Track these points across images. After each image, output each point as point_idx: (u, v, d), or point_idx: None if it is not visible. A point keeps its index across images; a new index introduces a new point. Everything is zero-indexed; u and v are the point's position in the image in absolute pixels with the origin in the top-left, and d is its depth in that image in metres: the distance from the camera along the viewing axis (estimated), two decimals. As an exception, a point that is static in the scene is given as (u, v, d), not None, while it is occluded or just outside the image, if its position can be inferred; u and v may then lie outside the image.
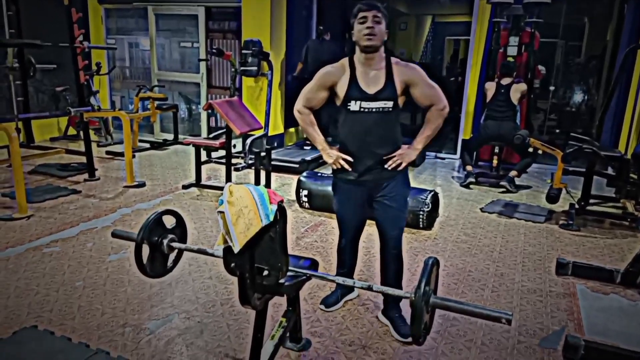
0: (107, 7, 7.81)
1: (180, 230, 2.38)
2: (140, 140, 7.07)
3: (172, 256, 2.34)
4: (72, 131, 7.44)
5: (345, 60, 2.34)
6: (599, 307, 2.87)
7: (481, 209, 4.67)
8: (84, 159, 5.26)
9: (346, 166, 2.37)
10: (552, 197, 4.39)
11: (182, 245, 2.28)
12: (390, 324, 2.54)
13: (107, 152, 6.42)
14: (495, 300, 2.90)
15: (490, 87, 5.48)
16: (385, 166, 2.34)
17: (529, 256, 3.58)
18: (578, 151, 4.15)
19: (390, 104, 2.26)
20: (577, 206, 4.42)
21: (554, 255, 3.59)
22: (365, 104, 2.28)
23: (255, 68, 6.29)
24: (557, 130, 8.04)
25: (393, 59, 2.31)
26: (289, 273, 1.98)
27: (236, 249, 1.68)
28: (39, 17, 6.05)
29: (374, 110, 2.28)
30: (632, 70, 5.69)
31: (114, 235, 2.38)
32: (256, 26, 6.43)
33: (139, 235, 2.21)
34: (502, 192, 5.24)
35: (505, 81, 5.40)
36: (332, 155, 2.40)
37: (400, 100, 2.30)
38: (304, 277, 2.00)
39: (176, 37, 7.78)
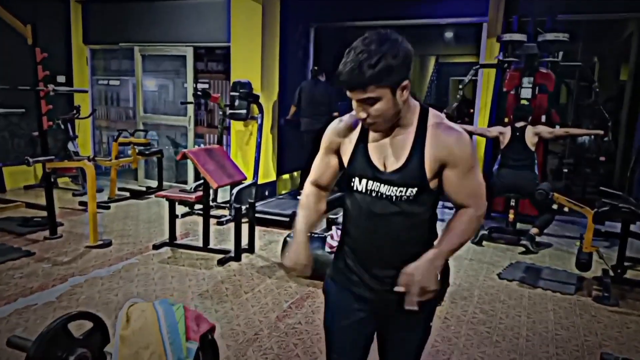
0: (92, 48, 7.42)
1: (99, 339, 1.74)
2: (121, 189, 6.48)
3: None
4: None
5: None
6: None
7: (499, 275, 3.99)
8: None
9: (297, 273, 1.57)
10: (584, 264, 3.72)
11: (95, 364, 1.64)
12: None
13: (80, 203, 5.83)
14: (528, 419, 2.20)
15: (505, 132, 4.90)
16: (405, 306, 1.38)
17: (563, 345, 2.88)
18: (613, 210, 3.51)
19: (412, 191, 1.41)
20: (612, 274, 3.74)
21: (594, 343, 2.90)
22: (373, 186, 1.44)
23: (244, 111, 5.77)
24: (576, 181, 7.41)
25: (433, 116, 1.43)
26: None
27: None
28: (7, 58, 5.62)
29: (385, 196, 1.43)
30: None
31: (9, 344, 1.77)
32: (246, 66, 5.96)
33: (32, 348, 1.59)
34: (521, 253, 4.56)
35: (520, 124, 4.83)
36: (294, 257, 1.53)
37: (433, 184, 1.43)
38: None
39: (164, 78, 7.35)
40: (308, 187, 1.63)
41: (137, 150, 6.37)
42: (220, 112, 6.24)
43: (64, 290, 3.40)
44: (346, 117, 1.54)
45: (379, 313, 1.56)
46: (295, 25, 6.61)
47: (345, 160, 1.51)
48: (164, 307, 1.12)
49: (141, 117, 7.18)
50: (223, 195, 6.02)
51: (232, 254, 4.12)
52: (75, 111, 6.42)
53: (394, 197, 1.42)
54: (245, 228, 4.33)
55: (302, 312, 3.16)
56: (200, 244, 4.37)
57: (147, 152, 6.44)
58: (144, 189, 6.64)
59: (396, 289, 1.35)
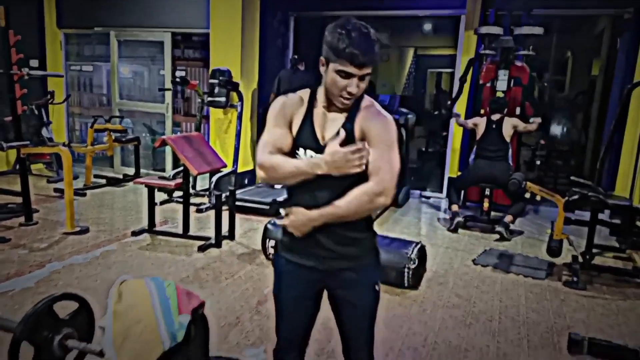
0: (66, 32, 7.24)
1: (85, 320, 1.76)
2: (97, 176, 6.39)
3: (70, 357, 1.72)
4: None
5: (305, 93, 1.64)
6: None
7: (473, 261, 4.11)
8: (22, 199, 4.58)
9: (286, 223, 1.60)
10: (554, 251, 3.85)
11: (81, 345, 1.65)
12: None
13: (56, 190, 5.72)
14: (500, 395, 2.30)
15: (480, 123, 5.03)
16: None
17: (533, 327, 3.01)
18: (583, 199, 3.65)
19: None
20: (581, 260, 3.89)
21: (562, 325, 3.03)
22: (316, 156, 1.56)
23: (223, 99, 5.75)
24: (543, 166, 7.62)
25: (366, 101, 1.58)
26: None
27: (120, 391, 1.07)
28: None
29: None
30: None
31: (-9, 325, 1.75)
32: (226, 54, 5.92)
33: (18, 328, 1.60)
34: (496, 240, 4.69)
35: (496, 117, 4.95)
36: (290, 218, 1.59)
37: None
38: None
39: (140, 64, 7.23)
40: (272, 157, 1.57)
41: (113, 137, 6.28)
42: (199, 100, 6.19)
43: (42, 277, 3.36)
44: (292, 95, 1.65)
45: (324, 280, 1.65)
46: (275, 14, 6.58)
47: (294, 133, 1.61)
48: (155, 283, 1.14)
49: (117, 103, 7.07)
50: (202, 184, 6.00)
51: (213, 241, 4.13)
52: (49, 96, 6.27)
53: None
54: (225, 216, 4.34)
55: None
56: (179, 231, 4.36)
57: (123, 139, 6.35)
58: (120, 176, 6.56)
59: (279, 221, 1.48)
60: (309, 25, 7.27)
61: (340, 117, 1.57)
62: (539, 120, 5.02)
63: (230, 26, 5.86)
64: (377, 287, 1.68)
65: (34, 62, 6.91)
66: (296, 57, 6.29)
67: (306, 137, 1.57)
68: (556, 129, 8.36)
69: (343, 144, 1.48)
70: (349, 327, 1.72)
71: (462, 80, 5.68)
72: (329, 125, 1.57)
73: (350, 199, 1.49)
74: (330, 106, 1.58)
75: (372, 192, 1.48)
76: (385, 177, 1.49)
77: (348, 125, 1.53)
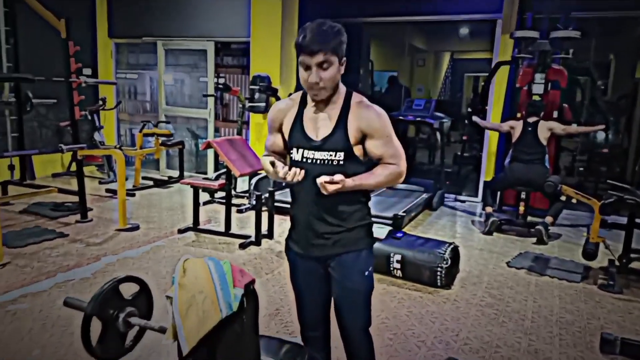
0: (117, 42, 7.69)
1: (145, 300, 1.96)
2: (144, 178, 6.76)
3: (132, 333, 1.92)
4: (75, 167, 7.19)
5: (297, 96, 1.80)
6: (661, 403, 2.32)
7: (508, 264, 4.15)
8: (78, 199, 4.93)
9: (283, 176, 1.68)
10: (590, 253, 3.86)
11: (141, 322, 1.85)
12: None
13: (107, 190, 6.11)
14: (529, 388, 2.38)
15: (517, 126, 5.05)
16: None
17: (566, 326, 3.05)
18: (619, 202, 3.65)
19: (340, 155, 1.68)
20: (617, 263, 3.87)
21: (596, 326, 3.05)
22: (308, 154, 1.71)
23: (263, 104, 5.99)
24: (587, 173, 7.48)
25: (356, 97, 1.73)
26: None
27: (184, 350, 1.26)
28: (38, 50, 5.87)
29: (318, 162, 1.70)
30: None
31: (66, 304, 1.99)
32: (265, 61, 6.17)
33: (89, 306, 1.81)
34: (532, 244, 4.70)
35: (532, 119, 4.97)
36: (266, 167, 1.75)
37: (359, 151, 1.71)
38: (286, 375, 1.56)
39: (186, 71, 7.59)
40: (265, 158, 1.83)
41: (160, 141, 6.62)
42: (240, 105, 6.46)
43: (98, 268, 3.65)
44: (285, 100, 1.85)
45: (325, 266, 1.82)
46: (313, 20, 6.78)
47: (287, 135, 1.79)
48: (213, 261, 1.32)
49: (163, 109, 7.44)
50: (242, 186, 6.25)
51: (253, 239, 4.34)
52: (101, 102, 6.68)
53: (326, 161, 1.69)
54: (264, 216, 4.54)
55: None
56: (222, 229, 4.60)
57: (169, 143, 6.69)
58: (166, 178, 6.90)
59: (319, 179, 1.61)
60: (346, 32, 7.43)
61: (333, 114, 1.70)
62: (600, 127, 5.09)
63: (270, 34, 6.11)
64: (366, 273, 1.83)
65: (87, 71, 7.36)
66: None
67: (297, 138, 1.73)
68: (598, 133, 8.18)
69: (337, 137, 1.68)
70: (342, 310, 1.86)
71: (487, 83, 5.73)
72: (321, 123, 1.71)
73: (384, 174, 1.72)
74: (318, 105, 1.73)
75: (398, 172, 1.72)
76: (404, 162, 1.74)
77: (341, 125, 1.69)
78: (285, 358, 1.61)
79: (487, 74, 6.13)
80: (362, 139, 1.70)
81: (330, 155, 1.69)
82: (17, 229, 4.47)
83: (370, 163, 1.78)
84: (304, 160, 1.72)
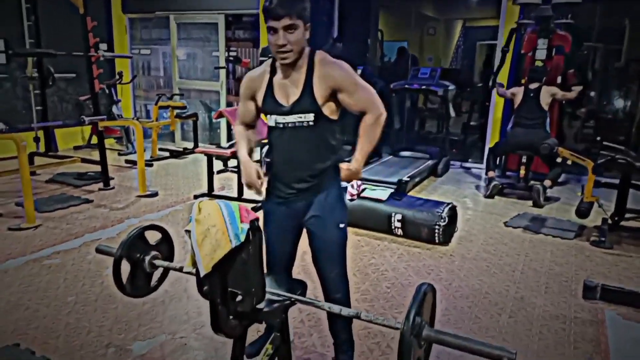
0: (131, 17, 7.89)
1: (167, 246, 2.24)
2: (161, 149, 7.05)
3: (157, 274, 2.21)
4: (95, 140, 7.49)
5: (268, 64, 1.92)
6: (631, 338, 2.56)
7: (505, 223, 4.36)
8: (100, 168, 5.24)
9: (258, 190, 2.00)
10: (583, 212, 4.05)
11: (165, 263, 2.13)
12: (333, 347, 2.27)
13: (127, 161, 6.43)
14: (512, 327, 2.63)
15: (518, 92, 5.19)
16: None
17: (554, 277, 3.28)
18: (611, 162, 3.82)
19: (310, 116, 1.83)
20: (610, 221, 4.07)
21: (583, 277, 3.27)
22: (280, 119, 1.87)
23: (272, 75, 6.17)
24: (598, 138, 7.55)
25: (318, 56, 1.84)
26: (271, 297, 1.81)
27: (202, 272, 1.53)
28: (57, 26, 6.11)
29: (290, 125, 1.86)
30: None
31: (97, 250, 2.27)
32: (274, 33, 6.31)
33: (118, 251, 2.09)
34: (530, 206, 4.90)
35: (534, 86, 5.09)
36: (249, 173, 1.97)
37: (328, 110, 1.86)
38: (287, 302, 1.82)
39: (197, 45, 7.79)
40: (238, 127, 2.11)
41: (174, 113, 6.88)
42: (251, 77, 6.65)
43: (123, 229, 3.97)
44: (260, 68, 1.96)
45: (300, 210, 2.00)
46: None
47: (260, 103, 1.94)
48: (224, 202, 1.58)
49: (177, 82, 7.67)
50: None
51: (259, 218, 4.61)
52: (118, 77, 6.94)
53: (297, 124, 1.85)
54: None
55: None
56: (235, 195, 4.88)
57: (183, 115, 6.95)
58: (181, 149, 7.19)
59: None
60: (353, 3, 7.53)
61: (300, 79, 1.83)
62: (579, 88, 5.11)
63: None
64: (341, 226, 2.03)
65: (103, 46, 7.61)
66: (334, 38, 6.58)
67: (269, 104, 1.89)
68: (605, 99, 8.22)
69: (304, 101, 1.83)
70: (321, 261, 2.08)
71: (504, 50, 5.79)
72: (290, 89, 1.85)
73: (366, 133, 1.89)
74: (286, 71, 1.85)
75: (377, 116, 1.87)
76: (375, 102, 1.87)
77: (307, 88, 1.82)
78: (287, 289, 1.87)
79: (496, 42, 6.20)
80: (333, 95, 1.84)
81: (301, 117, 1.84)
82: (45, 196, 4.80)
83: (341, 120, 1.94)
84: (277, 124, 1.89)
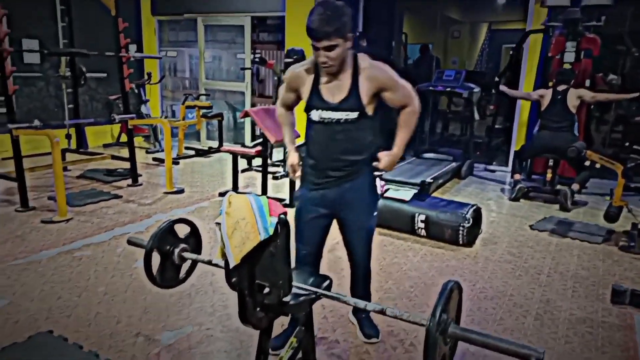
0: (160, 19, 8.06)
1: (195, 240, 2.29)
2: (187, 148, 7.18)
3: (185, 267, 2.27)
4: (124, 138, 7.67)
5: (311, 62, 2.08)
6: (661, 344, 2.51)
7: (531, 226, 4.31)
8: (129, 165, 5.38)
9: (295, 176, 2.28)
10: (611, 216, 3.98)
11: (193, 256, 2.19)
12: (357, 324, 2.51)
13: (154, 159, 6.56)
14: (537, 329, 2.61)
15: (546, 95, 5.12)
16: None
17: (581, 281, 3.23)
18: (641, 166, 3.74)
19: (354, 114, 2.04)
20: (640, 227, 3.98)
21: (610, 281, 3.22)
22: (325, 114, 2.06)
23: (297, 76, 6.23)
24: (627, 144, 7.37)
25: (362, 60, 2.04)
26: (297, 291, 1.84)
27: (231, 264, 1.57)
28: (90, 28, 6.29)
29: (334, 121, 2.06)
30: None
31: (129, 242, 2.34)
32: (300, 34, 6.35)
33: (149, 243, 2.14)
34: (557, 209, 4.83)
35: (562, 88, 5.02)
36: (290, 161, 2.26)
37: (370, 109, 2.06)
38: (313, 296, 1.85)
39: (223, 48, 7.91)
40: (279, 109, 2.34)
41: (201, 113, 7.01)
42: (275, 78, 6.73)
43: (150, 224, 4.06)
44: (305, 63, 2.12)
45: (334, 198, 2.18)
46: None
47: (305, 98, 2.12)
48: (253, 195, 1.62)
49: (203, 83, 7.80)
50: (277, 156, 6.57)
51: (287, 202, 4.67)
52: (147, 77, 7.10)
53: (341, 120, 2.05)
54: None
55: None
56: (259, 193, 4.94)
57: (209, 115, 7.07)
58: (206, 148, 7.30)
59: (374, 163, 2.17)
60: (377, 5, 7.54)
61: (346, 81, 2.02)
62: (615, 77, 5.04)
63: (304, 7, 6.28)
64: (375, 214, 2.28)
65: (133, 47, 7.79)
66: (359, 33, 6.59)
67: (316, 101, 2.07)
68: (635, 104, 8.01)
69: (351, 100, 2.02)
70: (354, 245, 2.31)
71: (513, 52, 5.73)
72: (336, 89, 2.04)
73: (406, 123, 2.13)
74: (330, 74, 2.03)
75: (414, 110, 2.11)
76: (413, 96, 2.10)
77: (354, 89, 2.02)
78: (313, 284, 1.90)
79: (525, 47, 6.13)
80: (377, 94, 2.05)
81: (346, 114, 2.04)
82: (76, 191, 4.95)
83: (377, 117, 2.13)
84: (322, 119, 2.08)
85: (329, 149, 2.10)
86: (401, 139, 2.16)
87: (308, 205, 2.24)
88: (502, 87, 5.60)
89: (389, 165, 2.16)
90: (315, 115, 2.08)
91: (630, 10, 6.30)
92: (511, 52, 5.72)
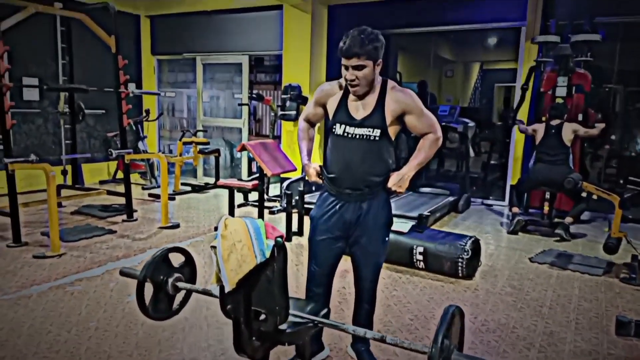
0: (159, 58, 8.22)
1: (189, 269, 2.25)
2: (183, 184, 7.17)
3: (179, 297, 2.21)
4: (120, 175, 7.66)
5: (340, 83, 2.20)
6: (670, 377, 2.43)
7: (530, 259, 4.26)
8: (124, 201, 5.34)
9: (318, 180, 2.28)
10: (610, 248, 3.94)
11: (188, 285, 2.14)
12: (356, 356, 2.44)
13: (150, 195, 6.53)
14: (541, 362, 2.53)
15: (539, 129, 5.18)
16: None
17: (584, 313, 3.17)
18: (638, 196, 3.74)
19: (377, 132, 2.09)
20: (640, 258, 3.94)
21: (614, 313, 3.15)
22: (349, 129, 2.12)
23: (294, 112, 6.32)
24: (621, 181, 7.42)
25: (390, 84, 2.14)
26: (295, 319, 1.79)
27: (227, 288, 1.53)
28: (89, 66, 6.39)
29: (357, 137, 2.11)
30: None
31: (121, 273, 2.29)
32: (296, 71, 6.52)
33: (142, 272, 2.09)
34: (556, 241, 4.79)
35: (555, 122, 5.08)
36: (310, 172, 2.27)
37: (392, 130, 2.13)
38: (310, 325, 1.80)
39: (221, 87, 8.05)
40: (302, 123, 2.40)
41: (198, 149, 7.03)
42: (272, 114, 6.82)
43: (144, 259, 3.98)
44: (333, 82, 2.22)
45: (350, 227, 2.21)
46: (341, 32, 7.08)
47: (331, 113, 2.20)
48: (249, 219, 1.60)
49: (201, 120, 7.88)
50: (273, 191, 6.56)
51: (284, 236, 4.62)
52: (145, 114, 7.16)
53: (364, 136, 2.10)
54: (294, 217, 4.82)
55: (346, 281, 3.58)
56: (255, 227, 4.89)
57: (206, 151, 7.10)
58: (203, 184, 7.29)
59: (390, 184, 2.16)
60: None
61: (372, 99, 2.11)
62: (602, 125, 5.08)
63: (301, 46, 6.46)
64: (386, 239, 2.30)
65: (132, 85, 7.92)
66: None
67: (341, 116, 2.15)
68: (627, 140, 8.13)
69: (375, 117, 2.09)
70: (362, 269, 2.32)
71: (524, 87, 5.83)
72: (362, 106, 2.13)
73: (424, 147, 2.16)
74: (363, 95, 2.11)
75: (437, 138, 2.16)
76: (437, 126, 2.17)
77: (379, 108, 2.10)
78: (310, 312, 1.85)
79: (514, 84, 6.26)
80: (400, 118, 2.11)
81: (369, 131, 2.09)
82: (70, 226, 4.89)
83: (396, 142, 2.19)
84: (345, 134, 2.13)
85: (349, 165, 2.13)
86: (415, 159, 2.17)
87: (322, 225, 2.26)
88: (522, 127, 5.58)
89: (397, 184, 2.14)
90: (339, 129, 2.14)
91: (618, 47, 6.46)
92: (523, 86, 5.85)
